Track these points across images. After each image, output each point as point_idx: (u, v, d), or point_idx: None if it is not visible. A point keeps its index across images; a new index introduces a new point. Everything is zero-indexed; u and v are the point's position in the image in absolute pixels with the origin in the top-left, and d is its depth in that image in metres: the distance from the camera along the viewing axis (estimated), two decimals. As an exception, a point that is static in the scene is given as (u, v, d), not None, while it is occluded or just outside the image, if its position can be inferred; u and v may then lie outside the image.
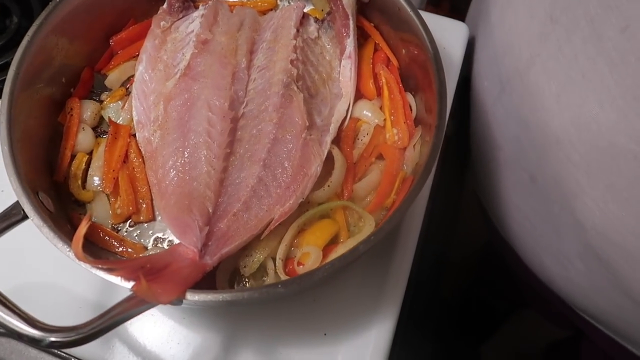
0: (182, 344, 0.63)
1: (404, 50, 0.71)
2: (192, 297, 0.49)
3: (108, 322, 0.46)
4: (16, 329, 0.43)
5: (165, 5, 0.75)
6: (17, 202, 0.53)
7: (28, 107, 0.63)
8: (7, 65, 0.72)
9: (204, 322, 0.65)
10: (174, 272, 0.53)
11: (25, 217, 0.52)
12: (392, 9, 0.69)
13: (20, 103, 0.61)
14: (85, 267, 0.49)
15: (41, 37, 0.64)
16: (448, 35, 0.84)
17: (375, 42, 0.74)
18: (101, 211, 0.65)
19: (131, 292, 0.48)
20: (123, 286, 0.49)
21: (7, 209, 0.52)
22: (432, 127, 0.63)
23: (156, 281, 0.49)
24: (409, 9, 0.66)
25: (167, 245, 0.65)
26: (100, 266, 0.48)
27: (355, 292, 0.65)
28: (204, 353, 0.63)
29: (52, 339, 0.44)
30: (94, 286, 0.65)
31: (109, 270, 0.49)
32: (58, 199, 0.63)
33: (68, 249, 0.50)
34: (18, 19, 0.83)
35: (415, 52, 0.69)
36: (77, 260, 0.49)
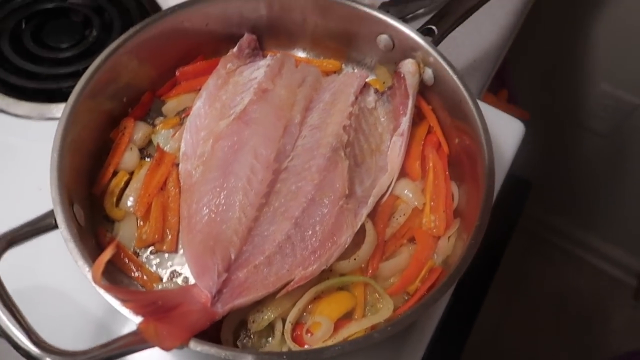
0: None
1: (457, 140, 0.71)
2: (195, 346, 0.48)
3: (107, 353, 0.45)
4: (16, 340, 0.43)
5: (235, 49, 0.77)
6: (52, 211, 0.54)
7: (86, 118, 0.65)
8: (77, 73, 0.76)
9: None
10: (183, 315, 0.52)
11: (55, 227, 0.53)
12: (453, 98, 0.70)
13: (80, 113, 0.63)
14: (99, 291, 0.48)
15: (115, 57, 0.67)
16: (503, 130, 0.83)
17: (430, 125, 0.74)
18: (127, 232, 0.66)
19: (137, 328, 0.47)
20: (131, 319, 0.48)
21: (40, 216, 0.53)
22: (472, 225, 0.61)
23: (164, 322, 0.48)
24: (470, 103, 0.66)
25: (182, 281, 0.65)
26: (114, 294, 0.48)
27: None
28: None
29: (48, 359, 0.43)
30: (102, 305, 0.64)
31: (122, 301, 0.48)
32: (89, 212, 0.64)
33: (87, 269, 0.50)
34: (97, 33, 0.87)
35: (468, 143, 0.69)
36: (93, 283, 0.49)
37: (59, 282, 0.66)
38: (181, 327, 0.49)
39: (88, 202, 0.64)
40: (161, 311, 0.50)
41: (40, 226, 0.52)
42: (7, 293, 0.45)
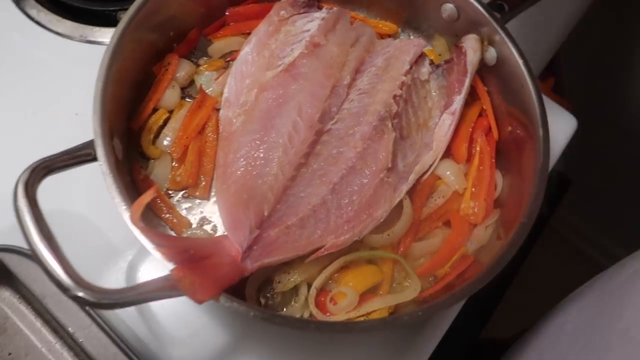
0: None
1: (509, 127, 0.68)
2: (225, 302, 0.47)
3: (138, 297, 0.45)
4: (53, 272, 0.42)
5: (291, -5, 0.73)
6: (92, 142, 0.52)
7: (132, 48, 0.63)
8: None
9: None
10: (213, 267, 0.51)
11: (94, 159, 0.51)
12: (513, 83, 0.66)
13: (127, 42, 0.61)
14: (134, 231, 0.47)
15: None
16: (554, 122, 0.79)
17: (483, 108, 0.71)
18: (161, 172, 0.64)
19: (170, 275, 0.46)
20: (163, 263, 0.47)
21: (79, 146, 0.51)
22: (512, 218, 0.60)
23: (196, 272, 0.47)
24: (533, 93, 0.63)
25: (211, 229, 0.64)
26: (149, 237, 0.47)
27: (374, 351, 0.62)
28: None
29: (80, 294, 0.43)
30: (130, 242, 0.64)
31: (156, 245, 0.47)
32: (126, 147, 0.62)
33: (123, 207, 0.49)
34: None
35: (521, 134, 0.66)
36: (128, 223, 0.48)
37: (88, 211, 0.65)
38: (212, 280, 0.48)
39: (126, 137, 0.63)
40: (193, 260, 0.49)
41: (79, 156, 0.50)
42: (46, 224, 0.44)
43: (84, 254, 0.59)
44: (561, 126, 0.80)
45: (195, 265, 0.49)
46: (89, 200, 0.65)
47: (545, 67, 0.96)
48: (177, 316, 0.62)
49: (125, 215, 0.49)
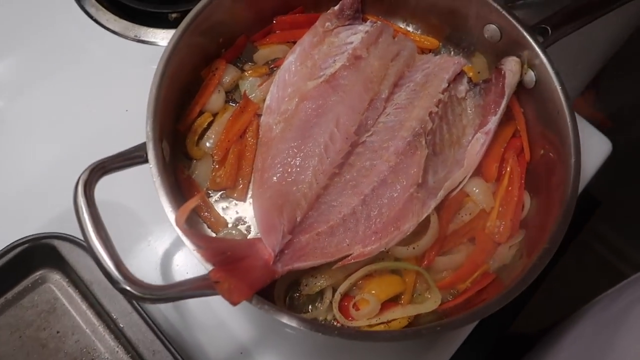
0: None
1: (542, 150, 0.69)
2: (256, 304, 0.51)
3: (178, 294, 0.49)
4: (105, 265, 0.46)
5: (337, 8, 0.75)
6: (143, 144, 0.56)
7: (184, 54, 0.66)
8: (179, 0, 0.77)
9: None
10: (248, 269, 0.55)
11: (145, 161, 0.55)
12: (549, 107, 0.67)
13: (181, 48, 0.64)
14: (178, 232, 0.51)
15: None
16: (588, 144, 0.80)
17: (517, 128, 0.72)
18: (203, 173, 0.68)
19: (208, 275, 0.50)
20: (202, 264, 0.51)
21: (132, 148, 0.55)
22: (536, 241, 0.61)
23: (232, 274, 0.51)
24: (568, 120, 0.63)
25: (245, 230, 0.67)
26: (191, 239, 0.51)
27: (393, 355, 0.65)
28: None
29: (127, 287, 0.47)
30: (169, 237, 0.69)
31: (197, 246, 0.51)
32: (172, 148, 0.66)
33: (170, 209, 0.53)
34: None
35: (553, 157, 0.67)
36: (173, 224, 0.52)
37: (129, 201, 0.70)
38: (246, 283, 0.52)
39: (172, 137, 0.67)
40: (229, 261, 0.53)
41: (132, 158, 0.54)
42: (100, 221, 0.48)
43: (124, 241, 0.65)
44: (595, 149, 0.80)
45: (231, 267, 0.53)
46: (132, 192, 0.69)
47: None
48: (207, 307, 0.67)
49: (171, 217, 0.53)
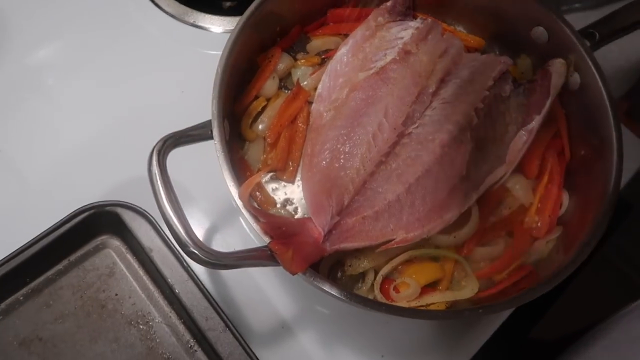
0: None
1: (582, 152, 0.71)
2: (310, 276, 0.54)
3: (241, 261, 0.52)
4: (176, 229, 0.50)
5: (389, 4, 0.78)
6: (209, 122, 0.59)
7: (245, 40, 0.69)
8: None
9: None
10: (300, 245, 0.58)
11: (210, 137, 0.59)
12: (593, 110, 0.69)
13: (244, 34, 0.68)
14: (239, 204, 0.55)
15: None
16: (625, 150, 0.81)
17: (559, 129, 0.74)
18: (255, 154, 0.72)
19: (268, 246, 0.53)
20: (261, 236, 0.55)
21: (200, 124, 0.59)
22: (573, 237, 0.63)
23: (288, 247, 0.54)
24: (612, 124, 0.66)
25: (293, 210, 0.71)
26: (252, 212, 0.54)
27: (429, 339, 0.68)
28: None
29: (195, 250, 0.50)
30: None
31: (256, 219, 0.54)
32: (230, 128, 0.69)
33: (232, 184, 0.57)
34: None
35: (593, 159, 0.69)
36: (236, 197, 0.55)
37: (188, 180, 0.74)
38: (301, 256, 0.55)
39: (229, 118, 0.70)
40: (284, 236, 0.57)
41: (200, 134, 0.58)
42: (172, 188, 0.52)
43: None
44: (631, 153, 0.81)
45: (287, 241, 0.56)
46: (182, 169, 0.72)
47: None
48: (252, 283, 0.70)
49: (234, 191, 0.56)
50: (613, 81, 0.91)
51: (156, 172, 0.51)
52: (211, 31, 0.87)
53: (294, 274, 0.52)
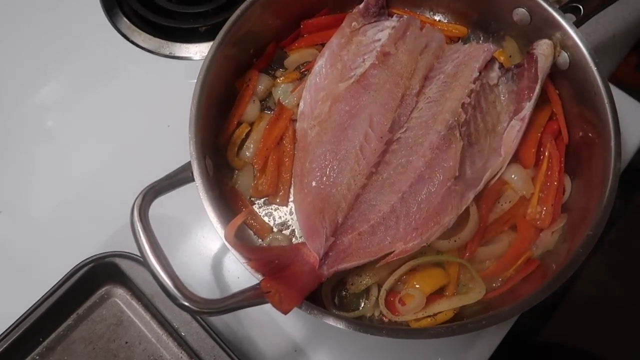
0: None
1: (580, 132, 0.68)
2: (306, 309, 0.53)
3: (233, 304, 0.52)
4: (164, 284, 0.50)
5: (362, 6, 0.76)
6: (188, 164, 0.59)
7: (219, 68, 0.68)
8: (206, 14, 0.80)
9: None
10: (296, 276, 0.57)
11: (192, 180, 0.58)
12: (586, 87, 0.66)
13: (215, 62, 0.66)
14: (228, 246, 0.54)
15: (252, 8, 0.69)
16: (630, 117, 0.78)
17: (553, 111, 0.71)
18: (245, 181, 0.71)
19: (259, 285, 0.53)
20: (253, 275, 0.54)
21: (179, 169, 0.58)
22: (580, 224, 0.61)
23: (281, 283, 0.54)
24: (605, 99, 0.62)
25: (289, 234, 0.70)
26: (240, 252, 0.54)
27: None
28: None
29: (185, 303, 0.50)
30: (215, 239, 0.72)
31: (246, 259, 0.54)
32: (215, 162, 0.69)
33: (218, 224, 0.56)
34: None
35: (593, 137, 0.66)
36: (223, 238, 0.55)
37: (178, 213, 0.74)
38: (295, 290, 0.54)
39: (214, 151, 0.69)
40: (277, 270, 0.56)
41: (180, 179, 0.58)
42: (156, 241, 0.52)
43: (177, 251, 0.68)
44: (637, 121, 0.78)
45: (280, 275, 0.55)
46: (178, 205, 0.72)
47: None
48: (260, 308, 0.69)
49: (220, 232, 0.56)
50: (611, 47, 0.87)
51: (139, 228, 0.52)
52: (192, 59, 0.86)
53: (285, 312, 0.51)
